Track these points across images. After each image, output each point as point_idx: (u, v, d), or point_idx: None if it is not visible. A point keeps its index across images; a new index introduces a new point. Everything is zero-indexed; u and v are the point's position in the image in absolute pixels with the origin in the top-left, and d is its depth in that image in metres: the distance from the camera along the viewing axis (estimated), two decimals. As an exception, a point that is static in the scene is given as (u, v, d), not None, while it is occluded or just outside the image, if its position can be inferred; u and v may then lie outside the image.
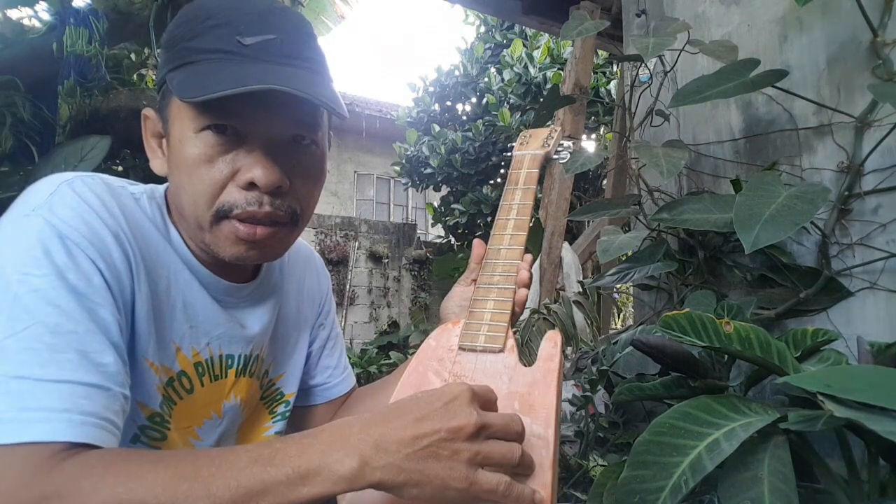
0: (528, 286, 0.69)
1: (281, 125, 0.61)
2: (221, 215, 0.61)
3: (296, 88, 0.56)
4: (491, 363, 0.60)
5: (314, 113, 0.64)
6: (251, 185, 0.60)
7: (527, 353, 2.61)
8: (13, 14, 2.19)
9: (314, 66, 0.62)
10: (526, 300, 0.68)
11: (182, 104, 0.60)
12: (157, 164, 0.66)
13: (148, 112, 0.67)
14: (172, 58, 0.61)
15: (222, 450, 0.49)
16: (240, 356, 0.72)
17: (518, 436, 0.50)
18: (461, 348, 0.62)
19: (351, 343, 6.80)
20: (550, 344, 0.60)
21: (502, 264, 0.68)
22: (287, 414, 0.82)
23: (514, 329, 0.63)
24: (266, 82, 0.55)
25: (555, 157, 0.79)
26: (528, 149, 0.78)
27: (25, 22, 2.21)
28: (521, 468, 0.50)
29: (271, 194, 0.61)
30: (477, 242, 0.74)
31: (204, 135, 0.59)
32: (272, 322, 0.77)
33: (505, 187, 0.75)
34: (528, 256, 0.70)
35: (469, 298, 0.70)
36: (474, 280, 0.73)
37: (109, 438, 0.51)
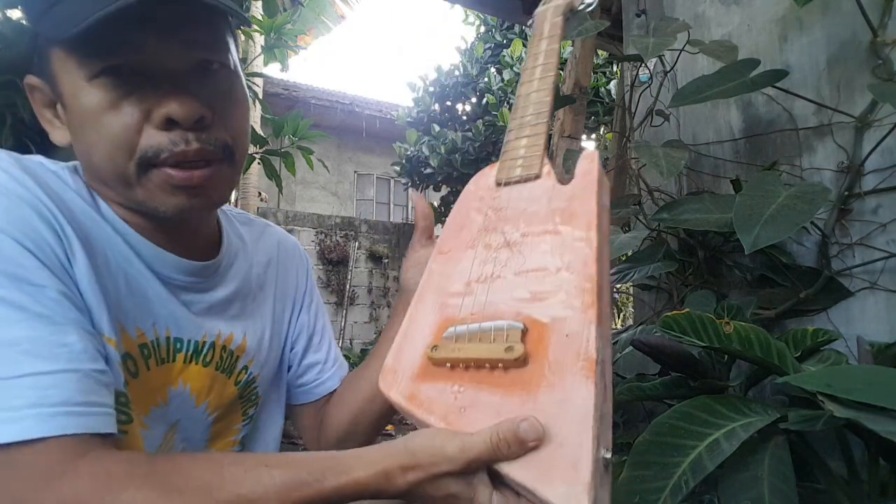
0: None
1: (181, 50, 0.54)
2: (146, 163, 0.54)
3: None
4: (529, 190, 0.57)
5: (213, 30, 0.57)
6: (170, 123, 0.53)
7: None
8: (13, 14, 2.19)
9: None
10: None
11: (64, 54, 0.53)
12: (58, 135, 0.59)
13: (31, 80, 0.59)
14: (36, 6, 0.54)
15: (247, 469, 0.45)
16: (190, 341, 0.64)
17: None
18: (499, 184, 0.60)
19: (351, 343, 6.80)
20: (587, 160, 0.56)
21: (533, 104, 0.64)
22: (255, 417, 0.75)
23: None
24: None
25: (580, 7, 0.75)
26: (552, 2, 0.74)
27: (26, 22, 2.21)
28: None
29: (195, 129, 0.54)
30: (419, 198, 0.70)
31: (99, 81, 0.53)
32: (237, 312, 0.70)
33: (529, 44, 0.73)
34: None
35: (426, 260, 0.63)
36: (428, 238, 0.70)
37: (100, 422, 0.48)
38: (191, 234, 0.65)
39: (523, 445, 0.40)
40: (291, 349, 0.81)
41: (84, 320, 0.52)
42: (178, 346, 0.64)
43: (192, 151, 0.55)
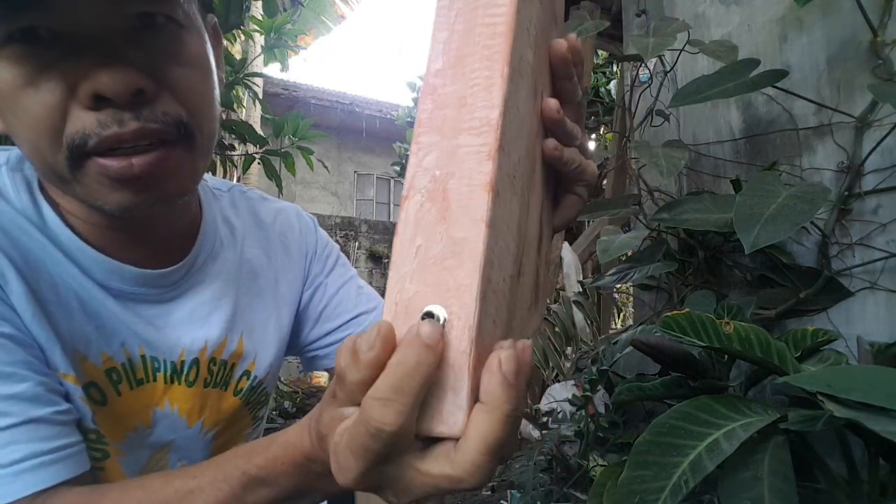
0: None
1: (110, 3, 0.43)
2: (78, 154, 0.44)
3: None
4: None
5: None
6: (99, 100, 0.43)
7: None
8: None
9: None
10: None
11: None
12: None
13: None
14: None
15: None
16: (165, 361, 0.57)
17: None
18: None
19: (351, 343, 6.79)
20: None
21: None
22: (264, 416, 0.70)
23: None
24: None
25: None
26: None
27: None
28: None
29: (132, 105, 0.44)
30: None
31: (8, 50, 0.42)
32: (228, 311, 0.62)
33: None
34: None
35: None
36: None
37: (70, 465, 0.45)
38: (157, 231, 0.57)
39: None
40: (304, 326, 0.73)
41: (32, 359, 0.47)
42: (156, 364, 0.57)
43: (127, 134, 0.44)
